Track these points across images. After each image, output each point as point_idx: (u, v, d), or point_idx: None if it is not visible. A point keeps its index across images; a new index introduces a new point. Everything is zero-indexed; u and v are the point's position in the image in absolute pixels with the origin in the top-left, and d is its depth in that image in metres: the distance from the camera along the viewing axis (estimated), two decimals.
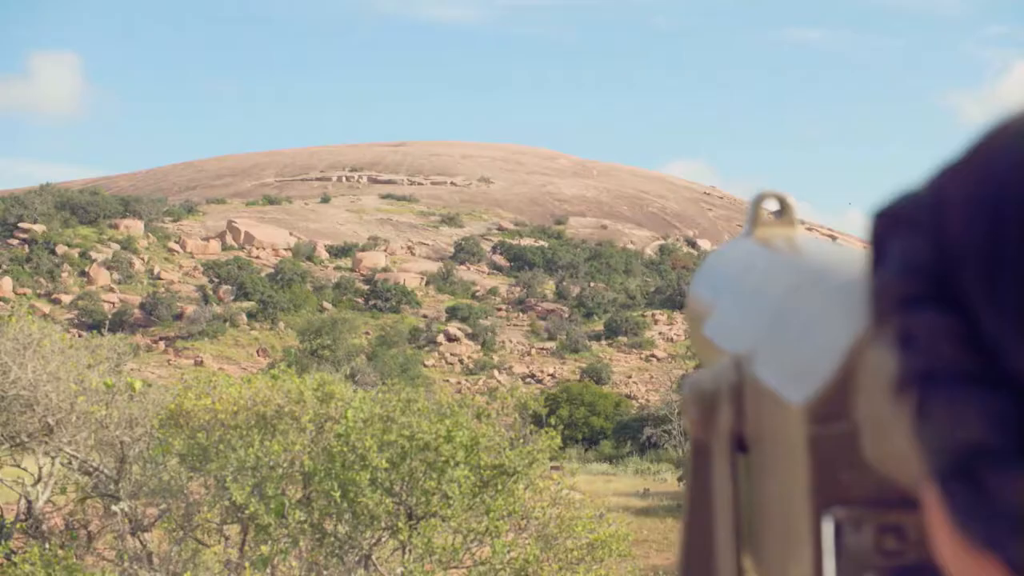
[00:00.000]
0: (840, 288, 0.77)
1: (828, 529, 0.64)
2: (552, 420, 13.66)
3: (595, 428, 61.68)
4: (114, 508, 14.36)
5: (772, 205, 1.09)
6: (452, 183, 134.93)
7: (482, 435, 11.76)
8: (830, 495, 0.65)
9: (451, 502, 11.37)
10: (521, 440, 12.34)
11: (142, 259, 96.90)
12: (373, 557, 12.45)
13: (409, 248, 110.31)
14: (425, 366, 79.63)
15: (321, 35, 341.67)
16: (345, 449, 11.89)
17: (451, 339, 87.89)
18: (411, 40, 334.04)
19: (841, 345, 0.66)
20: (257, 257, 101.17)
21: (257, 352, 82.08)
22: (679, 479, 48.78)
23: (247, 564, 12.80)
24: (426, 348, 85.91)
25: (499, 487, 11.74)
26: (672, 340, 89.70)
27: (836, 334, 0.68)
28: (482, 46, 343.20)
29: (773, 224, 1.09)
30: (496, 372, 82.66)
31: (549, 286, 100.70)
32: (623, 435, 60.76)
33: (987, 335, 0.41)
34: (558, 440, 12.63)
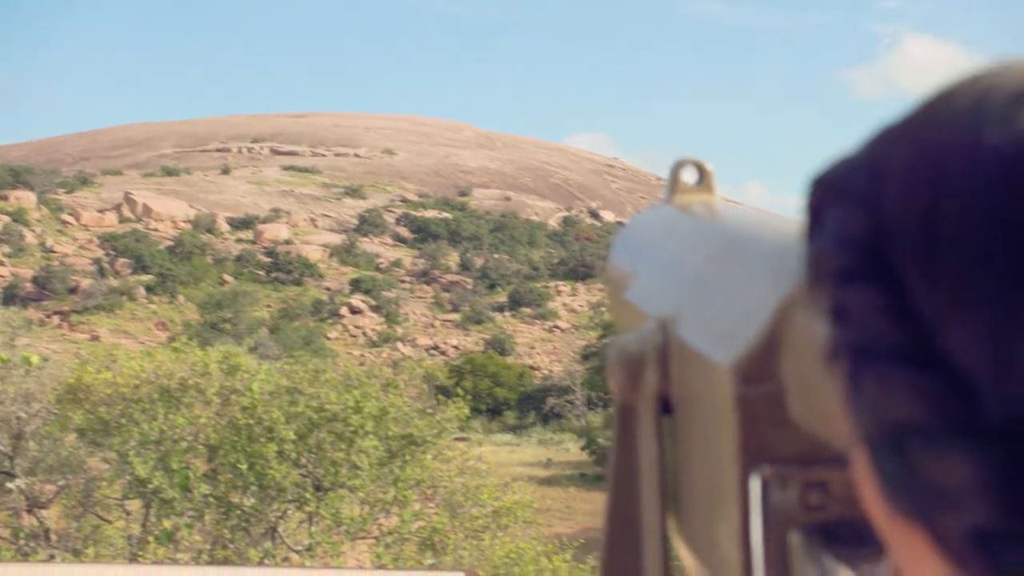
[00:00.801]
0: (763, 252, 0.78)
1: (755, 487, 0.66)
2: (459, 391, 13.71)
3: (499, 399, 62.08)
4: (9, 485, 14.04)
5: (691, 172, 1.09)
6: (355, 155, 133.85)
7: (391, 406, 11.77)
8: (757, 454, 0.66)
9: (360, 473, 11.37)
10: (429, 411, 12.37)
11: (34, 232, 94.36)
12: (279, 529, 12.40)
13: (312, 220, 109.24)
14: (328, 339, 79.14)
15: (220, 1, 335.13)
16: (251, 422, 11.79)
17: (354, 312, 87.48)
18: (313, 9, 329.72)
19: (767, 307, 0.67)
20: (155, 230, 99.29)
21: (156, 326, 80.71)
22: (582, 448, 49.31)
23: (150, 539, 12.66)
24: (329, 321, 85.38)
25: (407, 457, 11.76)
26: (575, 311, 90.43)
27: (762, 296, 0.69)
28: (386, 16, 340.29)
29: (692, 191, 1.09)
30: (400, 344, 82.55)
31: (453, 258, 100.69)
32: (527, 406, 61.27)
33: (920, 312, 0.41)
34: (466, 410, 12.70)
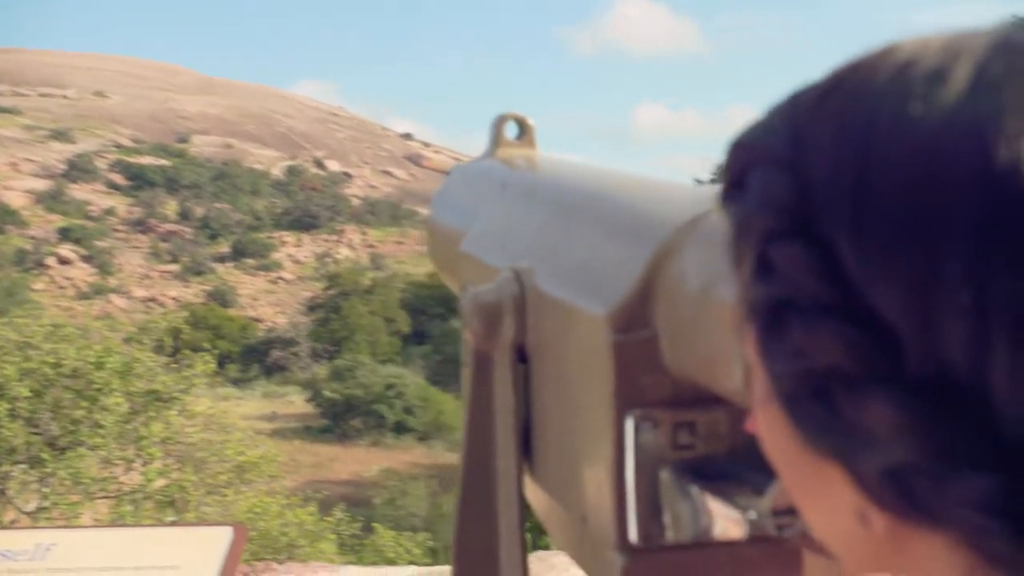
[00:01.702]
0: (613, 206, 0.80)
1: (630, 429, 0.67)
2: (205, 344, 13.42)
3: (221, 352, 60.76)
4: None
5: (512, 127, 1.13)
6: (64, 96, 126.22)
7: (135, 361, 11.40)
8: (630, 398, 0.67)
9: (102, 431, 10.97)
10: (175, 365, 12.07)
11: None
12: (8, 492, 11.79)
13: (13, 164, 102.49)
14: (34, 291, 74.80)
15: None
16: None
17: (63, 262, 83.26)
18: None
19: (639, 257, 0.68)
20: None
21: None
22: (307, 401, 49.03)
23: None
24: (34, 272, 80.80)
25: (152, 413, 11.45)
26: (300, 262, 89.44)
27: (628, 248, 0.70)
28: None
29: (514, 145, 1.12)
30: (114, 296, 79.22)
31: (171, 206, 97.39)
32: (250, 358, 60.25)
33: (847, 271, 0.44)
34: (213, 365, 12.48)
